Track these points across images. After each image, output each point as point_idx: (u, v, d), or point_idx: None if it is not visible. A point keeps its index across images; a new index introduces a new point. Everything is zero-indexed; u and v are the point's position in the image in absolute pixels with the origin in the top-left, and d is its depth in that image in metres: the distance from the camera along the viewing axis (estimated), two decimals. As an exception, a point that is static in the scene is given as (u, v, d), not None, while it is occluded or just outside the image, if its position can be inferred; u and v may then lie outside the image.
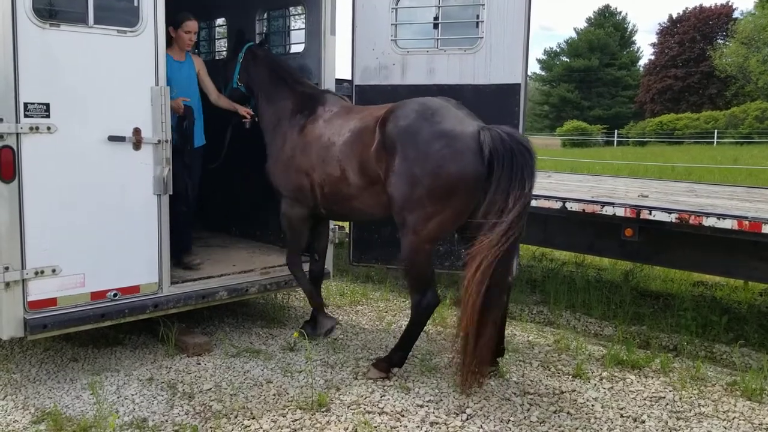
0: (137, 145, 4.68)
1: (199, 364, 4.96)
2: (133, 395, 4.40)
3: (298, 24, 6.54)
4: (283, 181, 5.25)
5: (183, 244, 5.70)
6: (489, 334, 4.18)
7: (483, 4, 5.67)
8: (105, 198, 4.58)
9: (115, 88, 4.55)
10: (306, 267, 5.57)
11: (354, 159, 4.72)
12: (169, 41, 5.46)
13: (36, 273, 4.30)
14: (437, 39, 5.93)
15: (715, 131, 42.47)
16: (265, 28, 6.61)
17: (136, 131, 4.66)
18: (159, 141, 4.76)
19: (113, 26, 4.50)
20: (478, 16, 5.72)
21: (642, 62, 64.32)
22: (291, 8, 6.38)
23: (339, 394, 4.44)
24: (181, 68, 5.60)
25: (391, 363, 4.75)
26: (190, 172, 5.61)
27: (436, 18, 5.89)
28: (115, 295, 4.66)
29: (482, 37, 5.71)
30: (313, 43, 5.80)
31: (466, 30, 5.88)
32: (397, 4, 5.90)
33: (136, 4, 4.60)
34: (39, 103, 4.21)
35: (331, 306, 6.54)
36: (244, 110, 5.75)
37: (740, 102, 48.59)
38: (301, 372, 4.82)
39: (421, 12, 6.03)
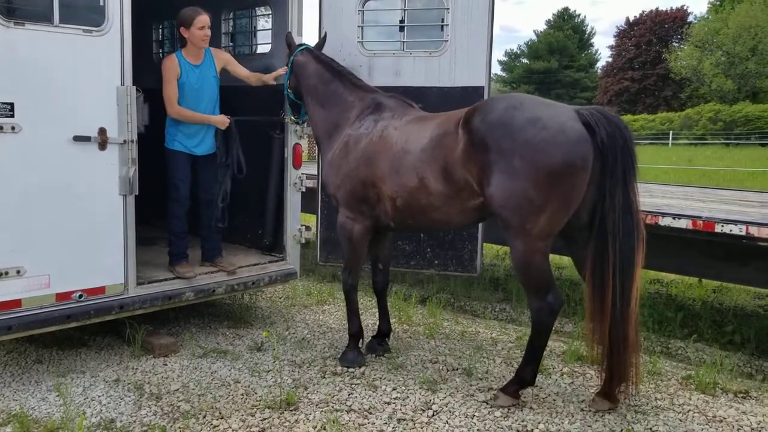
0: (103, 145, 4.65)
1: (166, 365, 4.95)
2: (99, 396, 4.38)
3: (262, 24, 6.56)
4: (344, 193, 4.87)
5: (214, 251, 5.70)
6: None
7: (448, 8, 5.77)
8: (70, 198, 4.53)
9: (80, 87, 4.51)
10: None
11: (435, 166, 4.33)
12: (184, 42, 5.37)
13: (0, 274, 4.25)
14: (403, 42, 6.01)
15: (670, 132, 43.50)
16: (231, 28, 6.61)
17: (102, 131, 4.63)
18: (125, 141, 4.73)
19: (79, 25, 4.46)
20: (442, 20, 5.82)
21: (600, 64, 65.67)
22: (257, 9, 6.38)
23: (307, 393, 4.48)
24: (196, 72, 5.35)
25: (521, 383, 4.37)
26: (221, 183, 5.48)
27: (402, 21, 5.97)
28: (80, 296, 4.63)
29: (447, 41, 5.82)
30: (280, 43, 5.82)
31: (431, 33, 5.98)
32: (363, 7, 5.97)
33: (101, 3, 4.57)
34: (3, 103, 4.16)
35: (297, 306, 6.58)
36: (222, 121, 5.41)
37: (694, 104, 49.88)
38: (268, 372, 4.85)
39: (387, 15, 6.11)
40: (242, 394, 4.46)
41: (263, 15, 6.28)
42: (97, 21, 4.55)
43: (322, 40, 5.57)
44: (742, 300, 7.20)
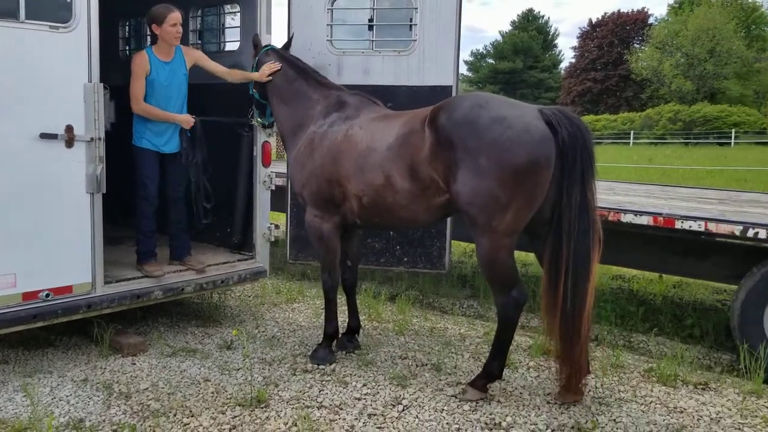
0: (69, 142, 4.60)
1: (135, 364, 4.92)
2: (68, 396, 4.34)
3: (230, 21, 6.54)
4: (310, 191, 4.89)
5: (183, 250, 5.66)
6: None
7: (416, 8, 5.83)
8: (37, 196, 4.48)
9: (47, 84, 4.46)
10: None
11: (401, 164, 4.37)
12: (155, 39, 5.33)
13: (-36, 274, 4.19)
14: (372, 41, 6.05)
15: (632, 132, 44.36)
16: (199, 26, 6.57)
17: (69, 129, 4.58)
18: (92, 139, 4.69)
19: (45, 21, 4.41)
20: (411, 20, 5.88)
21: (563, 65, 66.64)
22: (226, 6, 6.36)
23: (278, 390, 4.50)
24: (166, 69, 5.30)
25: (489, 377, 4.43)
26: (198, 183, 5.47)
27: (371, 20, 6.01)
28: (47, 295, 4.57)
29: (416, 40, 5.88)
30: (249, 41, 5.81)
31: (400, 32, 6.03)
32: (332, 5, 5.99)
33: (68, -1, 4.53)
34: (-33, 99, 4.10)
35: (267, 304, 6.59)
36: (187, 121, 5.38)
37: (655, 104, 50.96)
38: (238, 370, 4.85)
39: (356, 14, 6.14)
40: (212, 392, 4.46)
41: (232, 12, 6.25)
42: (64, 17, 4.50)
43: (289, 41, 5.61)
44: (700, 295, 7.41)
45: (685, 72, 50.83)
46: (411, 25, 5.88)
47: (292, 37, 5.63)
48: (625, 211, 5.53)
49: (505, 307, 4.27)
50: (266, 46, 5.45)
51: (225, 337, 5.51)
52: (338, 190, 4.75)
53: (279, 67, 5.24)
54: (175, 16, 5.21)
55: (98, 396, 4.36)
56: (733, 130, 40.32)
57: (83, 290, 4.78)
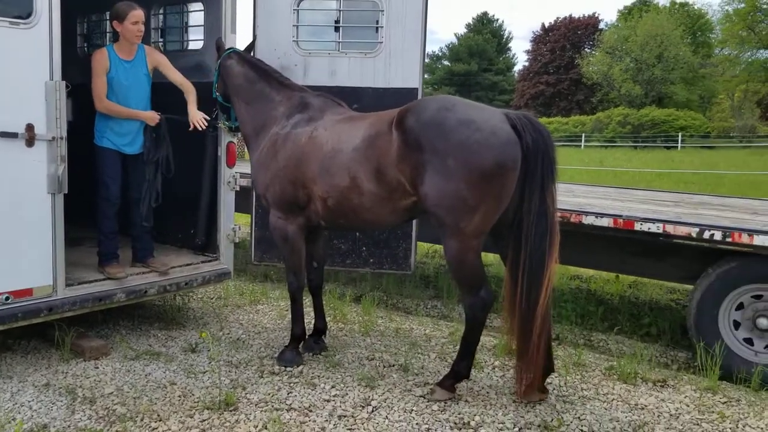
0: (30, 141, 4.48)
1: (97, 368, 4.83)
2: (29, 402, 4.23)
3: (194, 19, 6.45)
4: (273, 193, 4.86)
5: (146, 251, 5.56)
6: (548, 339, 4.34)
7: (382, 10, 5.85)
8: (-5, 197, 4.36)
9: (7, 82, 4.34)
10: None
11: (368, 166, 4.36)
12: (116, 37, 5.23)
13: None
14: (338, 42, 6.05)
15: (583, 135, 45.28)
16: (161, 24, 6.47)
17: (29, 127, 4.47)
18: (53, 138, 4.58)
19: (5, 17, 4.29)
20: (377, 22, 5.90)
21: (517, 68, 67.64)
22: (189, 4, 6.28)
23: (246, 393, 4.47)
24: (126, 67, 5.22)
25: (457, 377, 4.48)
26: (151, 182, 5.38)
27: (337, 21, 6.01)
28: (6, 298, 4.45)
29: (382, 42, 5.90)
30: (213, 40, 5.75)
31: (366, 34, 6.04)
32: (298, 6, 5.97)
33: (29, -5, 4.41)
34: (-77, 97, 3.96)
35: (230, 306, 6.53)
36: (152, 117, 5.30)
37: (605, 108, 52.18)
38: (204, 373, 4.80)
39: (322, 15, 6.14)
40: (179, 396, 4.40)
41: (196, 11, 6.17)
42: (25, 13, 4.39)
43: (252, 43, 5.61)
44: (655, 294, 7.63)
45: (634, 76, 52.14)
46: (377, 27, 5.91)
47: (255, 39, 5.62)
48: (587, 213, 5.65)
49: (472, 308, 4.33)
50: (229, 49, 5.41)
51: (189, 340, 5.43)
52: (303, 191, 4.73)
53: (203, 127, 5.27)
54: (137, 14, 5.13)
55: (61, 401, 4.26)
56: (680, 134, 41.51)
57: (44, 293, 4.66)
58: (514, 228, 4.21)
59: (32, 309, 4.58)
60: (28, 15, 4.40)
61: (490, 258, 8.73)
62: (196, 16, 6.16)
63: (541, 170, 4.09)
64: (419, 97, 5.82)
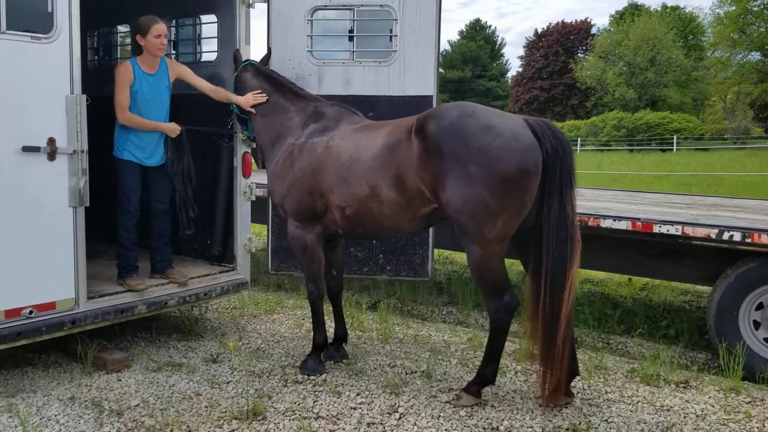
0: (52, 155, 4.50)
1: (120, 380, 4.82)
2: (56, 416, 4.22)
3: (204, 32, 6.47)
4: (291, 203, 4.86)
5: (165, 263, 5.57)
6: (571, 343, 4.34)
7: (396, 19, 5.88)
8: (18, 211, 4.36)
9: (29, 96, 4.36)
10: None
11: (387, 175, 4.37)
12: (139, 50, 5.25)
13: (-54, 292, 4.04)
14: (353, 51, 6.07)
15: (578, 139, 45.40)
16: (174, 36, 6.49)
17: (51, 141, 4.48)
18: (74, 151, 4.59)
19: (26, 32, 4.31)
20: (391, 30, 5.93)
21: (510, 74, 67.90)
22: (203, 17, 6.31)
23: (272, 402, 4.47)
24: (150, 81, 5.24)
25: (483, 382, 4.49)
26: (183, 193, 5.40)
27: (351, 31, 6.03)
28: (30, 312, 4.44)
29: (396, 50, 5.92)
30: (227, 51, 5.78)
31: (380, 43, 6.06)
32: (312, 16, 5.99)
33: (50, 9, 4.43)
34: (-51, 112, 3.96)
35: (246, 316, 6.52)
36: (174, 129, 5.32)
37: (599, 112, 52.38)
38: (228, 383, 4.79)
39: (336, 24, 6.16)
40: (206, 407, 4.40)
41: (209, 23, 6.18)
42: (45, 28, 4.40)
43: (267, 55, 5.66)
44: (668, 296, 7.65)
45: (628, 80, 52.41)
46: (391, 36, 5.93)
47: (270, 51, 5.67)
48: (605, 217, 5.68)
49: (497, 313, 4.33)
50: (245, 61, 5.45)
51: (209, 350, 5.43)
52: (320, 201, 4.75)
53: (264, 100, 5.23)
54: (160, 27, 5.16)
55: (88, 414, 4.25)
56: (675, 137, 41.70)
57: (67, 306, 4.67)
58: (535, 234, 4.22)
59: (56, 322, 4.58)
60: (49, 30, 4.42)
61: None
62: (210, 27, 6.17)
63: (560, 177, 4.11)
64: (434, 104, 5.84)
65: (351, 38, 6.04)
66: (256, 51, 5.72)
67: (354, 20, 5.99)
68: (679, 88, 52.61)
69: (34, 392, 4.58)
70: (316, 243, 4.91)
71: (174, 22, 6.50)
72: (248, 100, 5.25)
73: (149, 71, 5.24)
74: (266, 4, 5.98)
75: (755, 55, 50.67)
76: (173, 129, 5.30)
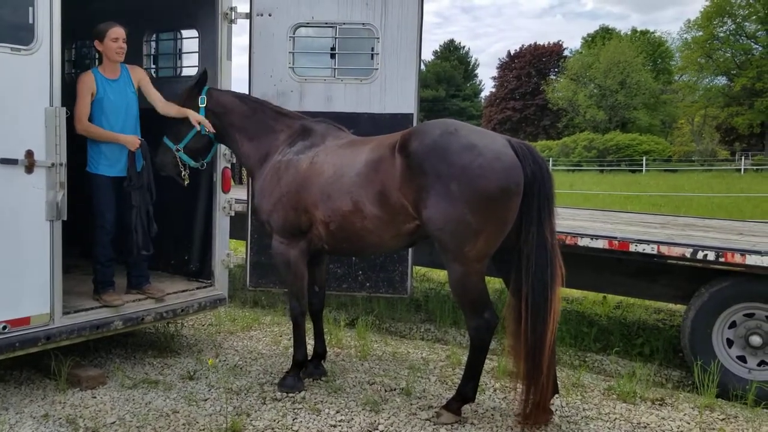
0: (30, 168, 4.43)
1: (95, 397, 4.73)
2: (30, 434, 4.12)
3: (185, 46, 6.45)
4: (276, 219, 4.84)
5: (142, 278, 5.47)
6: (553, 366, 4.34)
7: (378, 38, 5.93)
8: (-6, 224, 4.28)
9: (7, 108, 4.30)
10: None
11: (371, 190, 4.39)
12: (101, 59, 5.17)
13: None
14: (334, 68, 6.09)
15: (550, 159, 45.97)
16: (153, 50, 6.46)
17: (29, 154, 4.42)
18: (53, 164, 4.53)
19: (6, 44, 4.26)
20: (372, 48, 5.97)
21: (484, 94, 68.70)
22: (183, 31, 6.29)
23: (251, 420, 4.42)
24: (113, 87, 5.13)
25: (463, 399, 4.49)
26: (139, 208, 5.19)
27: (333, 48, 6.06)
28: (4, 327, 4.36)
29: (377, 68, 5.97)
30: (208, 67, 5.75)
31: (362, 61, 6.09)
32: (294, 33, 6.01)
33: (31, 21, 4.38)
34: (-74, 123, 3.89)
35: (223, 333, 6.45)
36: (132, 142, 5.13)
37: (571, 133, 53.21)
38: (206, 400, 4.73)
39: (318, 41, 6.18)
40: (184, 424, 4.34)
41: (190, 38, 6.17)
42: (26, 39, 4.36)
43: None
44: (642, 315, 7.76)
45: (598, 102, 53.39)
46: (373, 54, 5.98)
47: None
48: (582, 236, 5.74)
49: (477, 330, 4.34)
50: (205, 87, 5.24)
51: (186, 367, 5.36)
52: (305, 216, 4.74)
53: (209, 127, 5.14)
54: (117, 30, 5.06)
55: (63, 432, 4.16)
56: (644, 158, 42.45)
57: (41, 321, 4.58)
58: (515, 254, 4.25)
59: (30, 338, 4.49)
60: (30, 41, 4.37)
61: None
62: (191, 42, 6.15)
63: (538, 202, 4.14)
64: (415, 122, 5.88)
65: (333, 56, 6.07)
66: (237, 67, 5.72)
67: (336, 38, 6.01)
68: (648, 110, 53.73)
69: (6, 410, 4.47)
70: (300, 259, 4.89)
71: (155, 36, 6.46)
72: (200, 116, 5.13)
73: (111, 77, 5.14)
74: (248, 20, 5.99)
75: (721, 80, 52.04)
76: (132, 142, 5.13)
